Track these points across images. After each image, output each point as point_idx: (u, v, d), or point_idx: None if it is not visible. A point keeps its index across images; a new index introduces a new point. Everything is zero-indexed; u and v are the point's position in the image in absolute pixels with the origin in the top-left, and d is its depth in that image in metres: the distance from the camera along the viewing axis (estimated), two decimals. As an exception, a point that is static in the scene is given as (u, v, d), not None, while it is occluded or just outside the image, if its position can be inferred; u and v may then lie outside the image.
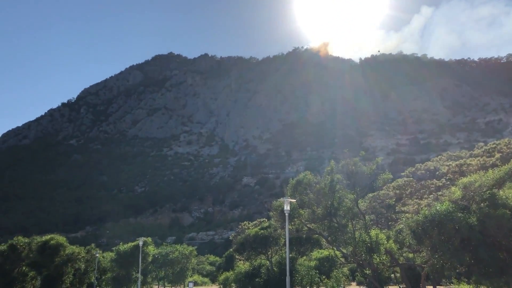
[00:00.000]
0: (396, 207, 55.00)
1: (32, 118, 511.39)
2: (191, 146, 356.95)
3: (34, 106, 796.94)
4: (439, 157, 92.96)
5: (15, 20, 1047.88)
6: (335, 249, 35.09)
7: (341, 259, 38.72)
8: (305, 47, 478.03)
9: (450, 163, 68.13)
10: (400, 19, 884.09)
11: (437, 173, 68.68)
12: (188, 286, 65.95)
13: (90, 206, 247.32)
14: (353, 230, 31.78)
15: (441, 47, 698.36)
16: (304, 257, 44.51)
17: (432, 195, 55.46)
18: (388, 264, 31.94)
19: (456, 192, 23.52)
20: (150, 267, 61.39)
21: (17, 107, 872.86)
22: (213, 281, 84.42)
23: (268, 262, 45.23)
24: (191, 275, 74.48)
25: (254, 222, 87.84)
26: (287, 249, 28.68)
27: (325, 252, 43.85)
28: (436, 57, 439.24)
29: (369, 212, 43.74)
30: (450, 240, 21.41)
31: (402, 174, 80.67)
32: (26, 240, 53.39)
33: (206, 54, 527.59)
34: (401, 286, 35.83)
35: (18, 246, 52.06)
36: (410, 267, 33.29)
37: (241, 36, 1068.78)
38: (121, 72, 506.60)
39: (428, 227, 22.09)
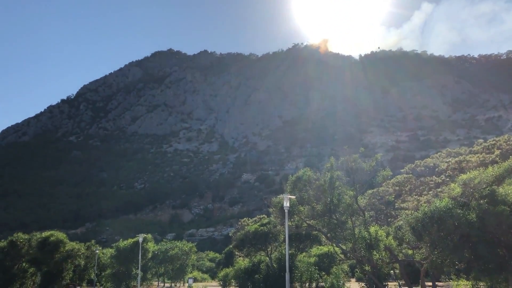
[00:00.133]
0: (396, 204, 55.00)
1: (32, 114, 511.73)
2: (190, 143, 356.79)
3: (33, 103, 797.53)
4: (438, 153, 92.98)
5: (15, 17, 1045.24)
6: (334, 245, 35.13)
7: (340, 255, 38.76)
8: (305, 44, 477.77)
9: (450, 159, 68.13)
10: (401, 16, 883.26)
11: (436, 169, 68.65)
12: (187, 282, 66.13)
13: (89, 202, 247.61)
14: (353, 226, 31.81)
15: (441, 43, 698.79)
16: (304, 254, 44.56)
17: (431, 192, 55.46)
18: (388, 261, 31.98)
19: (455, 188, 23.53)
20: (150, 264, 61.48)
21: (16, 104, 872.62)
22: (212, 277, 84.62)
23: (267, 258, 45.30)
24: (191, 272, 74.64)
25: (254, 219, 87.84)
26: (286, 246, 28.70)
27: (324, 249, 43.93)
28: (436, 54, 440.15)
29: (369, 209, 43.79)
30: (450, 237, 21.43)
31: (402, 170, 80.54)
32: (26, 236, 53.39)
33: (205, 51, 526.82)
34: (400, 282, 35.92)
35: (18, 243, 52.08)
36: (409, 263, 33.36)
37: (240, 33, 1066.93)
38: (121, 69, 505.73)
39: (428, 223, 22.10)
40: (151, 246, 58.95)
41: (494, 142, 68.45)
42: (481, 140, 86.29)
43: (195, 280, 71.69)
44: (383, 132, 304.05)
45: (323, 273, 39.86)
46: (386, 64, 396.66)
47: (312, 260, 41.62)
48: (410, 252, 32.67)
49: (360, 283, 40.83)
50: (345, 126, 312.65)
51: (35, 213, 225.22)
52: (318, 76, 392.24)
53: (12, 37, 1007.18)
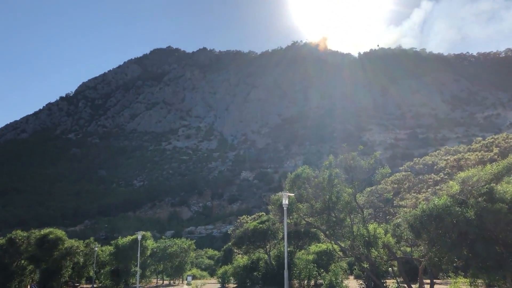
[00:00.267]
0: (394, 201, 55.13)
1: (30, 112, 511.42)
2: (189, 140, 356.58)
3: (32, 100, 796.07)
4: (437, 151, 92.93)
5: (14, 14, 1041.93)
6: (333, 243, 35.17)
7: (339, 253, 38.83)
8: (304, 42, 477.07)
9: (448, 157, 68.12)
10: (400, 14, 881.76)
11: (435, 167, 68.73)
12: (186, 279, 66.27)
13: (88, 200, 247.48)
14: (351, 224, 31.86)
15: (440, 41, 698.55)
16: (302, 251, 44.63)
17: (430, 189, 55.59)
18: (386, 258, 32.05)
19: (454, 186, 23.55)
20: (148, 261, 61.56)
21: (15, 101, 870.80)
22: (211, 274, 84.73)
23: (266, 255, 45.38)
24: (190, 269, 74.76)
25: (253, 216, 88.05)
26: (285, 243, 28.77)
27: (323, 246, 43.97)
28: (435, 52, 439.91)
29: (367, 206, 43.83)
30: (448, 234, 21.48)
31: (400, 168, 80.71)
32: (25, 233, 53.25)
33: (204, 48, 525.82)
34: (398, 280, 36.00)
35: (17, 240, 51.97)
36: (407, 261, 33.43)
37: (240, 30, 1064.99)
38: (120, 66, 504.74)
39: (426, 221, 22.15)
40: (150, 243, 59.01)
41: (492, 140, 68.44)
42: (479, 138, 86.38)
43: (194, 277, 71.83)
44: (382, 130, 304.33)
45: (322, 270, 39.91)
46: (385, 62, 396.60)
47: (311, 257, 41.68)
48: (408, 249, 32.73)
49: (359, 281, 40.92)
50: (344, 124, 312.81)
51: (34, 210, 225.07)
52: (317, 74, 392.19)
53: (11, 35, 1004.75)
